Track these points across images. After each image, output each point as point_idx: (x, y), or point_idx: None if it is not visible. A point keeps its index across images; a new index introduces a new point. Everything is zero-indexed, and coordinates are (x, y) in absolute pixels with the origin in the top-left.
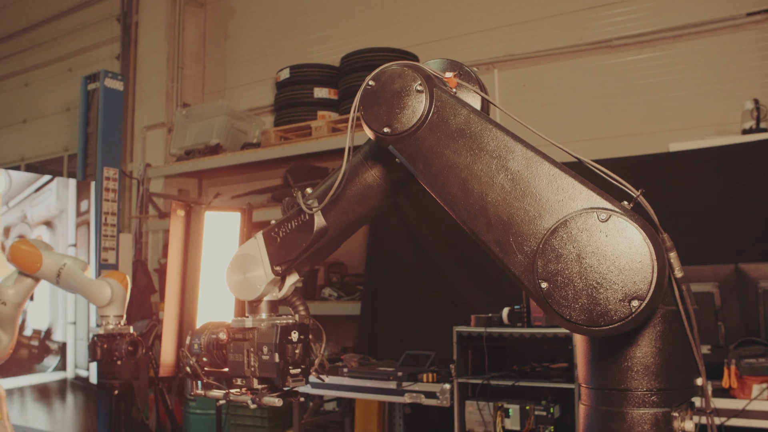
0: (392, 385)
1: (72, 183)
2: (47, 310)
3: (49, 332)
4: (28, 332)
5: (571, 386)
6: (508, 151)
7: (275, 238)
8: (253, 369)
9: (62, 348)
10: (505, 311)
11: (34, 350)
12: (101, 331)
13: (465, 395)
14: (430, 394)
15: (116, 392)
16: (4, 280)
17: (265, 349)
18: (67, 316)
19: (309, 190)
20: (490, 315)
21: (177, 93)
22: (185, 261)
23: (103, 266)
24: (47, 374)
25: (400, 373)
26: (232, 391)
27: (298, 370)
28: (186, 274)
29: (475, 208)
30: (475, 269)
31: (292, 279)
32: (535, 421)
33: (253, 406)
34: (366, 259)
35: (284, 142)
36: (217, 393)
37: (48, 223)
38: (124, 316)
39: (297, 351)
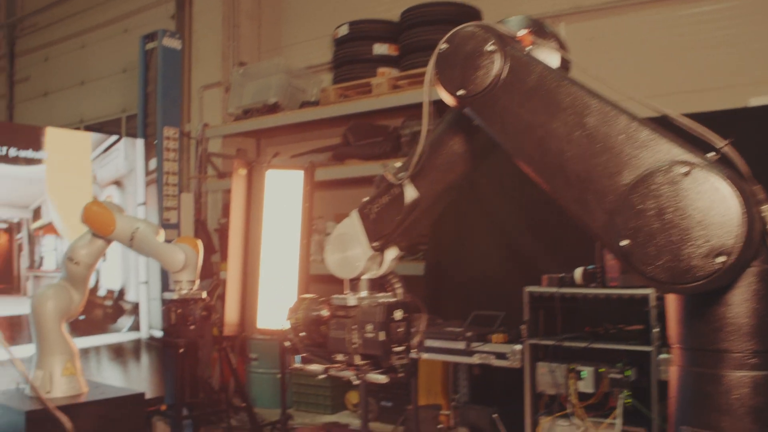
0: (461, 345)
1: (139, 143)
2: (120, 271)
3: (122, 293)
4: (102, 292)
5: (648, 349)
6: (584, 106)
7: (369, 214)
8: (355, 346)
9: (135, 308)
10: (578, 271)
11: (109, 310)
12: (175, 296)
13: (536, 357)
14: (500, 355)
15: (181, 351)
16: (76, 240)
17: (369, 327)
18: (139, 276)
19: (398, 164)
20: (562, 275)
21: (233, 52)
22: (247, 220)
23: (165, 226)
24: (122, 334)
25: (469, 333)
26: (332, 366)
27: (402, 347)
28: (248, 234)
29: (553, 167)
30: (543, 228)
31: (392, 254)
32: (610, 384)
33: (356, 382)
34: None
35: (343, 100)
36: (316, 368)
37: (117, 183)
38: (197, 281)
39: (400, 329)
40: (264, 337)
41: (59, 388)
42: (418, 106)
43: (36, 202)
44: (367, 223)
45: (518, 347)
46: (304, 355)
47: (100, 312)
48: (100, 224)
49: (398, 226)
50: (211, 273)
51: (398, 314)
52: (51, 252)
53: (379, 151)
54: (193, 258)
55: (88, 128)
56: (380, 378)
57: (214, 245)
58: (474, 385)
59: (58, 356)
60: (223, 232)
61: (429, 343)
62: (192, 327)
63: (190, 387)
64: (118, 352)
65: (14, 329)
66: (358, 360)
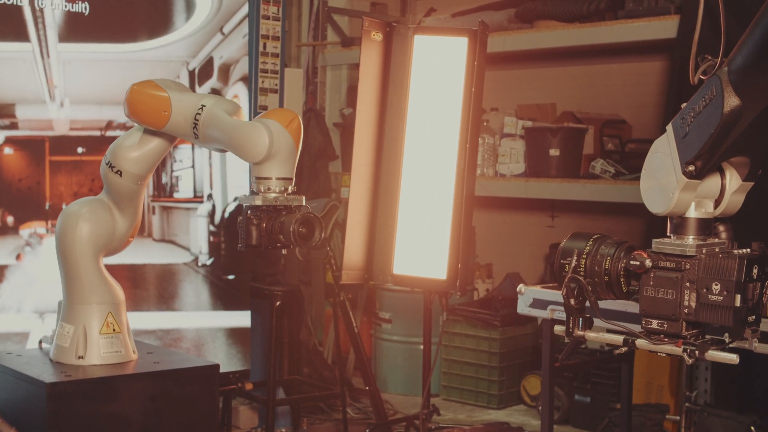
0: None
1: None
2: None
3: None
4: None
5: None
6: None
7: (683, 126)
8: (686, 311)
9: None
10: None
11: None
12: (258, 202)
13: None
14: None
15: (278, 303)
16: (122, 140)
17: (716, 287)
18: None
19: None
20: None
21: None
22: (383, 110)
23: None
24: None
25: None
26: (638, 336)
27: (754, 316)
28: (384, 131)
29: None
30: None
31: (734, 185)
32: None
33: (690, 361)
34: (664, 114)
35: None
36: (614, 337)
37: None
38: (293, 180)
39: (756, 292)
40: (402, 289)
41: (96, 353)
42: None
43: None
44: (681, 137)
45: None
46: (588, 316)
47: None
48: (149, 113)
49: (716, 144)
50: (328, 189)
51: (755, 271)
52: (188, 170)
53: (591, 7)
54: (286, 142)
55: None
56: (732, 358)
57: (334, 148)
58: (721, 379)
59: (96, 306)
60: (347, 128)
61: None
62: (284, 251)
63: (289, 358)
64: None
65: (136, 285)
66: (684, 330)
